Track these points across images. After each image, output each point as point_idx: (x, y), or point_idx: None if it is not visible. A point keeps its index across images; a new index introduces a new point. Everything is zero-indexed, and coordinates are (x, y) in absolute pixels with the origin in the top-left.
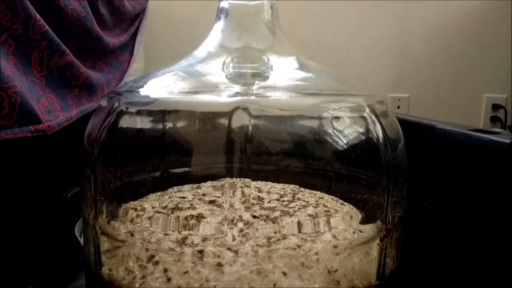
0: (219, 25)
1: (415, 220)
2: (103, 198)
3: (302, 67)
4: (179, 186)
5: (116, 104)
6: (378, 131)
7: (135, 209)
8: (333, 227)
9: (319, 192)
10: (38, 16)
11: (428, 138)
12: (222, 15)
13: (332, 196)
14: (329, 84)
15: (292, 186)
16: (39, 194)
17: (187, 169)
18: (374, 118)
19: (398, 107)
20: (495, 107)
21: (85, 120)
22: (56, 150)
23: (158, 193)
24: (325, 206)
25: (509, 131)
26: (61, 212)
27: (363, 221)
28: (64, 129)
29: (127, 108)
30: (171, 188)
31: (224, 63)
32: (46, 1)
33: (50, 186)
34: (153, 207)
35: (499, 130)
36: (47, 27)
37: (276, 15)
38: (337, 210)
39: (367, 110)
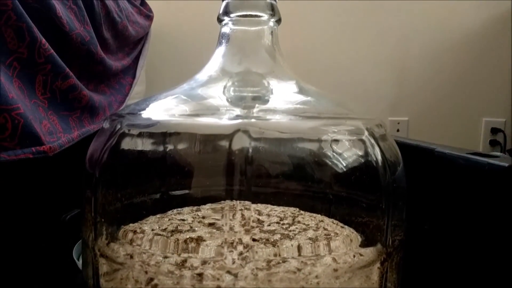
0: (221, 50)
1: (416, 244)
2: (103, 220)
3: (301, 91)
4: (179, 209)
5: (118, 126)
6: (377, 154)
7: (135, 231)
8: (333, 250)
9: (319, 215)
10: (43, 40)
11: (427, 161)
12: (223, 40)
13: (332, 219)
14: (328, 107)
15: (292, 209)
16: (38, 215)
17: (187, 191)
18: (373, 141)
19: (398, 130)
20: (494, 130)
21: (85, 142)
22: (55, 171)
23: (158, 215)
24: (325, 229)
25: (509, 154)
26: (59, 234)
27: (363, 245)
28: (63, 151)
29: (129, 130)
30: (171, 211)
31: (225, 87)
32: (52, 26)
33: (49, 207)
34: (152, 230)
35: (498, 153)
36: (52, 51)
37: (276, 40)
38: (337, 233)
39: (366, 133)
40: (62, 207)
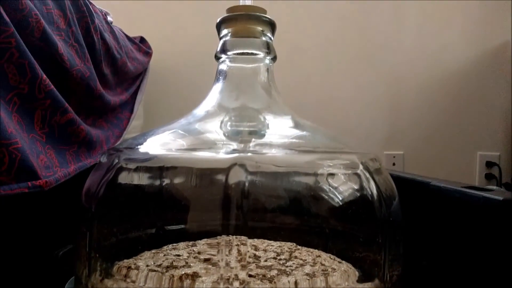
0: (218, 86)
1: (414, 280)
2: (97, 255)
3: (297, 125)
4: (174, 244)
5: (116, 161)
6: (372, 188)
7: (129, 268)
8: (331, 286)
9: (316, 250)
10: (44, 76)
11: (423, 194)
12: (221, 77)
13: (330, 255)
14: (323, 141)
15: (289, 244)
16: (31, 250)
17: (182, 226)
18: (367, 175)
19: (394, 164)
20: (489, 164)
21: (79, 177)
22: (48, 206)
23: (153, 251)
24: (322, 264)
25: (505, 188)
26: (52, 270)
27: (361, 280)
28: (57, 186)
29: (126, 165)
30: (166, 246)
31: (222, 122)
32: (53, 62)
33: (42, 242)
34: (147, 265)
35: (493, 187)
36: (52, 86)
37: (272, 77)
38: (334, 269)
39: (361, 167)
40: (55, 243)
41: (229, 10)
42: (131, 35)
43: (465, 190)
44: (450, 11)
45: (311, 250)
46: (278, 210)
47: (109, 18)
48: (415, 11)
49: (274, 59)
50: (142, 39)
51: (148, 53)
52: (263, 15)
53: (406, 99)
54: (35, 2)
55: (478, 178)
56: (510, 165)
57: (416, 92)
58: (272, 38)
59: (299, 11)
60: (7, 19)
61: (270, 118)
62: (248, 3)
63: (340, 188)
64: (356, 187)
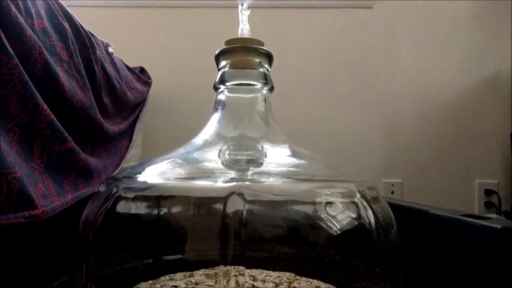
0: (216, 116)
1: None
2: (93, 287)
3: (294, 154)
4: (172, 274)
5: (115, 190)
6: (370, 217)
7: None
8: None
9: (315, 281)
10: (45, 106)
11: (421, 223)
12: (219, 107)
13: (329, 285)
14: (320, 170)
15: (288, 274)
16: (25, 282)
17: (180, 256)
18: (365, 203)
19: (392, 192)
20: (488, 192)
21: (77, 206)
22: (44, 236)
23: (150, 282)
24: None
25: (505, 217)
26: None
27: None
28: (53, 215)
29: (125, 194)
30: (163, 277)
31: (220, 151)
32: (55, 92)
33: (36, 274)
34: None
35: (492, 215)
36: (52, 116)
37: (269, 106)
38: None
39: (358, 195)
40: (50, 274)
41: (228, 42)
42: (131, 65)
43: (464, 218)
44: (444, 41)
45: (310, 280)
46: (276, 239)
47: (110, 49)
48: (410, 41)
49: (271, 89)
50: (142, 69)
51: (147, 83)
52: (261, 47)
53: (403, 127)
54: (39, 35)
55: (477, 206)
56: (509, 193)
57: (413, 120)
58: (269, 69)
59: (295, 40)
60: (11, 51)
61: (267, 147)
62: (246, 36)
63: (338, 217)
64: (354, 215)
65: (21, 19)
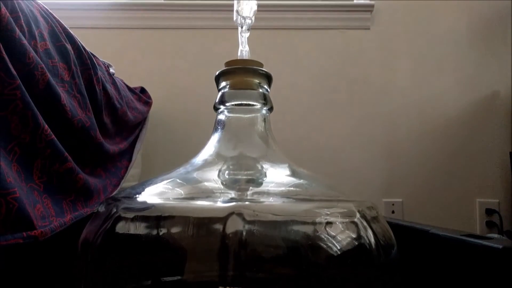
0: (216, 135)
1: None
2: None
3: (294, 174)
4: None
5: (114, 210)
6: (370, 237)
7: None
8: None
9: None
10: (46, 126)
11: (422, 243)
12: (219, 127)
13: None
14: (320, 190)
15: None
16: None
17: (179, 277)
18: (365, 223)
19: (393, 212)
20: (489, 211)
21: (75, 226)
22: (41, 256)
23: None
24: None
25: (507, 236)
26: None
27: None
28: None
29: (124, 214)
30: None
31: (220, 170)
32: (56, 112)
33: None
34: None
35: (493, 235)
36: (53, 136)
37: (268, 126)
38: None
39: (358, 215)
40: None
41: (228, 63)
42: (132, 85)
43: (464, 238)
44: (441, 61)
45: None
46: (276, 260)
47: (111, 70)
48: (408, 60)
49: (270, 109)
50: (143, 89)
51: (148, 103)
52: (260, 68)
53: (403, 146)
54: (42, 56)
55: (479, 226)
56: (510, 212)
57: (412, 139)
58: (268, 89)
59: (294, 60)
60: (14, 72)
61: (267, 167)
62: (246, 57)
63: (338, 237)
64: (354, 235)
65: (25, 41)
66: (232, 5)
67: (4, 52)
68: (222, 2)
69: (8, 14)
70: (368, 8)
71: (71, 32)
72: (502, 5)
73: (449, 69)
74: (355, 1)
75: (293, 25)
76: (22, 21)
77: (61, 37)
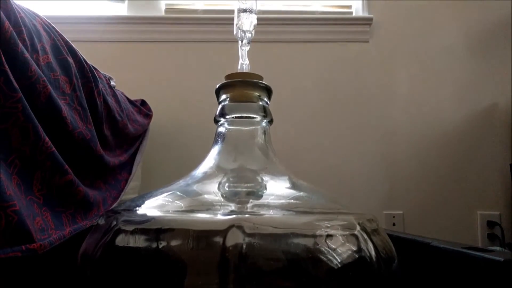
0: (216, 148)
1: None
2: None
3: (294, 186)
4: None
5: (114, 223)
6: (370, 250)
7: None
8: None
9: None
10: (46, 138)
11: (423, 255)
12: (219, 139)
13: None
14: (320, 202)
15: None
16: None
17: None
18: (365, 236)
19: (394, 224)
20: (490, 224)
21: (75, 239)
22: (39, 269)
23: None
24: None
25: (509, 249)
26: None
27: None
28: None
29: (124, 227)
30: None
31: (220, 183)
32: (57, 125)
33: None
34: None
35: (495, 248)
36: (53, 148)
37: (268, 138)
38: None
39: (358, 228)
40: None
41: (228, 76)
42: (132, 98)
43: (466, 251)
44: (440, 74)
45: None
46: (276, 273)
47: (112, 83)
48: (407, 73)
49: (270, 122)
50: (143, 102)
51: (148, 115)
52: (260, 81)
53: (403, 158)
54: (44, 69)
55: (480, 238)
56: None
57: (412, 151)
58: (268, 102)
59: (294, 72)
60: (16, 85)
61: (267, 179)
62: (246, 70)
63: (339, 250)
64: (354, 248)
65: (27, 55)
66: (232, 19)
67: (6, 66)
68: (222, 16)
69: (11, 28)
70: (367, 22)
71: (73, 46)
72: (500, 18)
73: (448, 81)
74: (354, 15)
75: (293, 38)
76: (25, 35)
77: (63, 51)
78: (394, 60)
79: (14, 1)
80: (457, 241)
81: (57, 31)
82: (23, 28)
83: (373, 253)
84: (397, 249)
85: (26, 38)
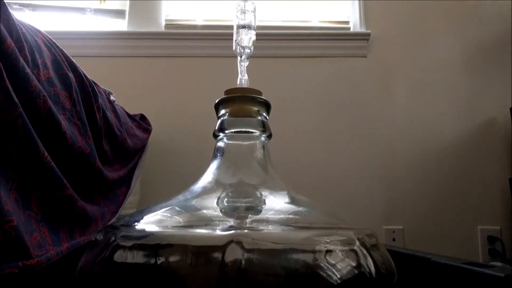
0: (215, 163)
1: None
2: None
3: (293, 201)
4: None
5: (113, 238)
6: (370, 265)
7: None
8: None
9: None
10: (46, 153)
11: (423, 271)
12: (218, 154)
13: None
14: (319, 217)
15: None
16: None
17: None
18: (364, 251)
19: (394, 239)
20: (491, 239)
21: (73, 254)
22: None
23: None
24: None
25: (510, 265)
26: None
27: None
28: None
29: (122, 243)
30: None
31: (219, 198)
32: (56, 139)
33: None
34: None
35: (496, 263)
36: (52, 163)
37: (267, 153)
38: None
39: (357, 243)
40: None
41: (227, 92)
42: (132, 112)
43: (466, 266)
44: (438, 89)
45: None
46: None
47: (112, 97)
48: (405, 88)
49: (269, 136)
50: (143, 117)
51: (147, 130)
52: (259, 96)
53: (403, 173)
54: (44, 84)
55: (481, 253)
56: None
57: (412, 166)
58: (267, 117)
59: (292, 87)
60: (17, 100)
61: (266, 194)
62: (245, 85)
63: (338, 266)
64: (354, 264)
65: (28, 70)
66: (232, 34)
67: (7, 81)
68: (221, 31)
69: (13, 44)
70: (364, 37)
71: (74, 61)
72: (498, 33)
73: (446, 96)
74: (351, 30)
75: (292, 54)
76: (27, 50)
77: (64, 66)
78: (392, 74)
79: (17, 18)
80: (458, 256)
81: (58, 47)
82: (24, 44)
83: (372, 268)
84: (397, 264)
85: (27, 53)
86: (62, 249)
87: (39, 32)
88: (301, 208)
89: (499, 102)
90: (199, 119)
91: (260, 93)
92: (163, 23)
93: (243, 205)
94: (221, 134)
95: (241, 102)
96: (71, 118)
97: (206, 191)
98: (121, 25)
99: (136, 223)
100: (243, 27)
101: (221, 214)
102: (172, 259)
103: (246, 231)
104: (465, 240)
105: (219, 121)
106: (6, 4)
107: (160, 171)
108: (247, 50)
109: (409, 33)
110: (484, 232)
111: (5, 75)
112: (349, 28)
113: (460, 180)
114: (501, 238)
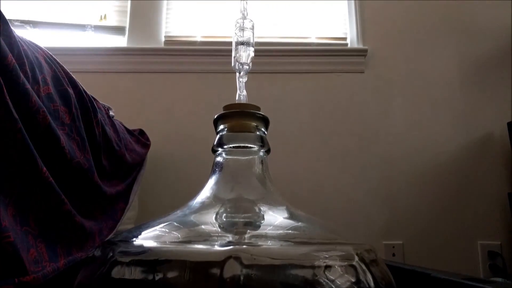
0: (214, 178)
1: None
2: None
3: (292, 216)
4: None
5: (110, 254)
6: (369, 281)
7: None
8: None
9: None
10: (44, 168)
11: (423, 286)
12: (217, 169)
13: None
14: (318, 232)
15: None
16: None
17: None
18: (364, 267)
19: (394, 254)
20: (492, 254)
21: (71, 268)
22: None
23: None
24: None
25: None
26: None
27: None
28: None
29: (120, 258)
30: None
31: (217, 213)
32: (55, 154)
33: None
34: None
35: (497, 279)
36: (51, 178)
37: (266, 168)
38: None
39: (356, 258)
40: None
41: (226, 107)
42: (131, 127)
43: (466, 282)
44: (435, 104)
45: None
46: None
47: (111, 113)
48: (402, 103)
49: (268, 151)
50: (141, 132)
51: (146, 145)
52: (257, 112)
53: (402, 188)
54: (44, 100)
55: (482, 269)
56: None
57: (411, 181)
58: (265, 132)
59: (291, 102)
60: (16, 116)
61: (265, 209)
62: (243, 101)
63: (337, 281)
64: (353, 280)
65: (28, 86)
66: (230, 50)
67: (7, 97)
68: (220, 48)
69: (14, 61)
70: (362, 53)
71: (73, 77)
72: (493, 48)
73: (443, 110)
74: (349, 46)
75: (290, 69)
76: (27, 67)
77: (64, 82)
78: (389, 90)
79: (18, 34)
80: (459, 271)
81: (58, 63)
82: (25, 60)
83: (372, 284)
84: (396, 280)
85: (28, 69)
86: (59, 265)
87: (40, 48)
88: (300, 223)
89: (496, 116)
90: (198, 135)
91: (258, 108)
92: (163, 39)
93: (241, 220)
94: (220, 149)
95: (239, 118)
96: (70, 133)
97: (204, 206)
98: (121, 41)
99: (134, 239)
100: (242, 43)
101: (219, 230)
102: (170, 275)
103: (244, 246)
104: (465, 255)
105: (218, 136)
106: (8, 21)
107: (159, 186)
108: (246, 67)
109: (406, 49)
110: (484, 247)
111: (5, 90)
112: (346, 44)
113: (460, 195)
114: (502, 253)
